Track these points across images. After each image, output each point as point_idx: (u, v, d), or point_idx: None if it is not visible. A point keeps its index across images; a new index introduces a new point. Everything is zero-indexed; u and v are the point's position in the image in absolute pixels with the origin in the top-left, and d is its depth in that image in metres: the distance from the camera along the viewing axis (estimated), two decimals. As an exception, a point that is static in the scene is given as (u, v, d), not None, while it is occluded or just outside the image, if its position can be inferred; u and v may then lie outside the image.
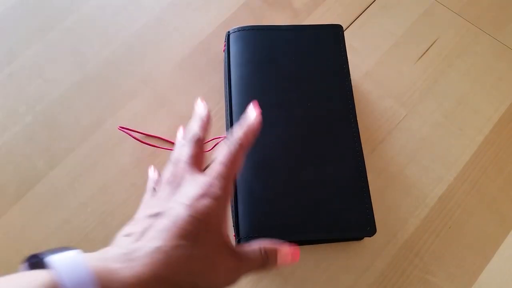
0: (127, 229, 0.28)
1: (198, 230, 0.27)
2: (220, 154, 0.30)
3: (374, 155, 0.45)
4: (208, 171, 0.30)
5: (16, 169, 0.44)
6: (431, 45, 0.51)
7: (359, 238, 0.41)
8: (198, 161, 0.32)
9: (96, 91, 0.48)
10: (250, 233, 0.37)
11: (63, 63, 0.50)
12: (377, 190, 0.43)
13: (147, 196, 0.35)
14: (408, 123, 0.47)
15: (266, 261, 0.30)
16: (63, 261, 0.23)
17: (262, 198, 0.38)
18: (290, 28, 0.45)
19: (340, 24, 0.46)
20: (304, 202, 0.37)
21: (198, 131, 0.33)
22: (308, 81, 0.42)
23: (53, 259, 0.23)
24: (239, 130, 0.31)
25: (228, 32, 0.46)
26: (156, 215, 0.27)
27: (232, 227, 0.39)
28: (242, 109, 0.41)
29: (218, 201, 0.28)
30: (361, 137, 0.41)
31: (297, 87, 0.42)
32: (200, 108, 0.35)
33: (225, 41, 0.46)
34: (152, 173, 0.38)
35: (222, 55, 0.50)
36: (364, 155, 0.40)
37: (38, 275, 0.22)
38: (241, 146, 0.31)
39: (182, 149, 0.32)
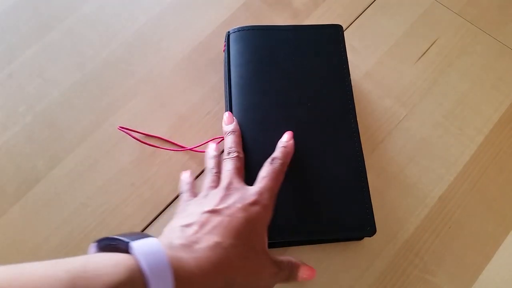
0: (181, 220, 0.31)
1: (249, 232, 0.30)
2: (264, 171, 0.35)
3: (374, 155, 0.45)
4: (255, 183, 0.34)
5: (16, 169, 0.44)
6: (431, 45, 0.51)
7: (359, 238, 0.41)
8: (241, 173, 0.36)
9: (96, 91, 0.48)
10: None
11: (63, 63, 0.50)
12: (377, 190, 0.43)
13: (185, 197, 0.38)
14: (408, 123, 0.47)
15: (291, 274, 0.34)
16: (144, 249, 0.24)
17: None
18: (290, 28, 0.45)
19: (340, 24, 0.46)
20: (304, 203, 0.37)
21: (236, 148, 0.38)
22: (308, 81, 0.42)
23: (136, 246, 0.24)
24: (279, 152, 0.37)
25: (228, 32, 0.46)
26: (213, 211, 0.31)
27: None
28: (242, 108, 0.41)
29: (266, 210, 0.33)
30: (361, 137, 0.41)
31: (297, 87, 0.42)
32: (233, 125, 0.40)
33: (225, 41, 0.46)
34: (187, 176, 0.41)
35: (222, 55, 0.50)
36: (364, 155, 0.40)
37: (122, 259, 0.24)
38: (282, 165, 0.36)
39: (228, 162, 0.37)
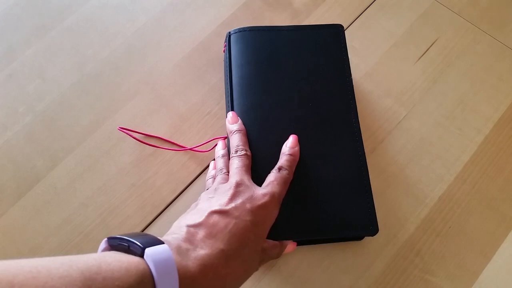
0: (189, 219, 0.32)
1: (254, 235, 0.31)
2: (272, 175, 0.36)
3: (374, 155, 0.45)
4: (263, 186, 0.35)
5: (16, 169, 0.44)
6: (431, 45, 0.51)
7: (360, 237, 0.41)
8: (249, 171, 0.37)
9: (96, 91, 0.48)
10: None
11: (63, 63, 0.50)
12: (377, 190, 0.43)
13: (207, 191, 0.38)
14: (408, 123, 0.47)
15: (280, 251, 0.36)
16: (156, 257, 0.25)
17: None
18: (291, 28, 0.45)
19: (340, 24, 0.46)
20: (306, 202, 0.37)
21: (244, 146, 0.38)
22: (310, 81, 0.42)
23: (149, 252, 0.25)
24: (285, 161, 0.37)
25: (229, 32, 0.46)
26: (221, 212, 0.31)
27: None
28: (244, 109, 0.41)
29: (272, 213, 0.34)
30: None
31: (298, 87, 0.42)
32: (238, 124, 0.40)
33: (225, 42, 0.46)
34: (212, 168, 0.42)
35: (222, 55, 0.50)
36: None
37: (134, 263, 0.25)
38: (289, 174, 0.36)
39: (237, 160, 0.37)
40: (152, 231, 0.42)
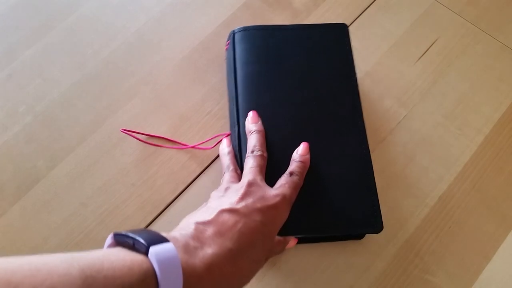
0: (199, 216, 0.31)
1: (262, 236, 0.31)
2: (283, 179, 0.36)
3: (374, 155, 0.45)
4: (277, 188, 0.35)
5: (16, 169, 0.44)
6: (431, 45, 0.51)
7: (361, 236, 0.41)
8: (263, 172, 0.36)
9: (96, 91, 0.48)
10: None
11: (63, 63, 0.50)
12: (377, 190, 0.43)
13: (227, 177, 0.38)
14: (408, 123, 0.47)
15: (282, 250, 0.36)
16: (160, 256, 0.25)
17: None
18: (295, 27, 0.45)
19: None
20: (311, 199, 0.37)
21: (261, 148, 0.37)
22: (314, 80, 0.42)
23: (153, 251, 0.25)
24: (296, 167, 0.37)
25: (233, 31, 0.46)
26: (231, 211, 0.31)
27: None
28: (249, 106, 0.41)
29: (283, 214, 0.34)
30: None
31: (303, 86, 0.42)
32: (258, 125, 0.39)
33: (228, 40, 0.46)
34: (225, 147, 0.41)
35: (222, 55, 0.50)
36: None
37: (137, 261, 0.24)
38: (299, 179, 0.36)
39: (252, 159, 0.36)
40: (152, 231, 0.42)
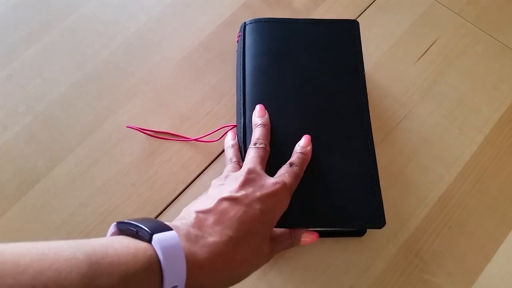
0: (199, 205, 0.31)
1: (262, 224, 0.31)
2: (283, 169, 0.36)
3: (374, 155, 0.45)
4: (277, 177, 0.35)
5: (16, 169, 0.44)
6: (431, 45, 0.51)
7: (362, 232, 0.41)
8: (264, 163, 0.36)
9: (96, 91, 0.48)
10: None
11: (63, 63, 0.50)
12: (377, 190, 0.43)
13: (229, 168, 0.38)
14: (408, 123, 0.47)
15: (293, 242, 0.36)
16: (164, 243, 0.25)
17: None
18: (307, 21, 0.45)
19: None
20: (314, 191, 0.37)
21: (264, 141, 0.37)
22: (323, 74, 0.42)
23: (157, 238, 0.25)
24: (297, 158, 0.37)
25: (244, 23, 0.46)
26: (231, 199, 0.31)
27: None
28: (256, 99, 0.41)
29: (283, 203, 0.33)
30: None
31: (311, 80, 0.42)
32: (264, 119, 0.39)
33: (239, 32, 0.46)
34: (230, 139, 0.41)
35: (222, 55, 0.50)
36: None
37: (141, 249, 0.25)
38: (299, 170, 0.36)
39: (253, 150, 0.36)
40: (152, 231, 0.42)
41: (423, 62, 0.50)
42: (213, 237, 0.28)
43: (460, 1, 0.54)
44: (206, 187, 0.43)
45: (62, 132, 0.46)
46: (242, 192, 0.32)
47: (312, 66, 0.43)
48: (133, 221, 0.27)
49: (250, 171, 0.34)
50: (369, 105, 0.48)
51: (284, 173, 0.35)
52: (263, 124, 0.38)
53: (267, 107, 0.40)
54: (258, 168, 0.34)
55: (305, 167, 0.37)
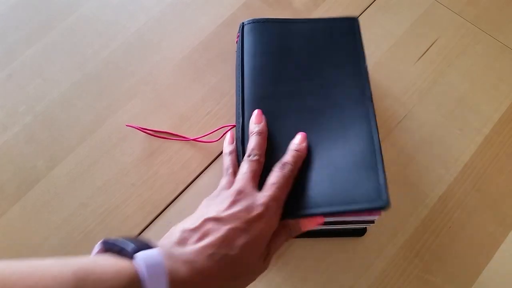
0: (186, 223, 0.32)
1: (248, 244, 0.31)
2: (274, 176, 0.35)
3: (374, 155, 0.45)
4: (264, 190, 0.34)
5: (16, 169, 0.44)
6: (431, 45, 0.51)
7: (364, 231, 0.41)
8: (257, 177, 0.36)
9: (96, 91, 0.48)
10: None
11: (63, 63, 0.50)
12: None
13: (223, 182, 0.37)
14: (408, 123, 0.47)
15: (291, 232, 0.35)
16: (147, 261, 0.26)
17: None
18: (305, 21, 0.45)
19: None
20: (314, 180, 0.36)
21: (258, 151, 0.37)
22: (321, 70, 0.42)
23: (139, 256, 0.26)
24: (290, 156, 0.36)
25: (243, 23, 0.46)
26: (216, 220, 0.31)
27: None
28: (254, 99, 0.41)
29: (270, 222, 0.33)
30: None
31: (309, 77, 0.42)
32: (261, 126, 0.38)
33: (238, 33, 0.46)
34: (227, 146, 0.41)
35: (222, 55, 0.50)
36: None
37: (125, 267, 0.26)
38: (292, 171, 0.35)
39: (246, 164, 0.36)
40: (152, 231, 0.42)
41: (423, 62, 0.50)
42: (194, 255, 0.29)
43: (460, 1, 0.54)
44: (206, 187, 0.43)
45: (62, 132, 0.46)
46: (228, 213, 0.32)
47: (311, 63, 0.42)
48: (118, 239, 0.28)
49: (239, 192, 0.33)
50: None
51: (274, 183, 0.34)
52: (259, 132, 0.38)
53: (265, 107, 0.40)
54: (249, 187, 0.34)
55: (299, 165, 0.37)
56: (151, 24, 0.52)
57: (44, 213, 0.42)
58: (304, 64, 0.42)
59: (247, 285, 0.32)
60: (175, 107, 0.48)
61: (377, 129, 0.38)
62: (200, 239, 0.30)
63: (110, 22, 0.52)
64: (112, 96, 0.48)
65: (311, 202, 0.36)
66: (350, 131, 0.39)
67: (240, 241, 0.30)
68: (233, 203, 0.33)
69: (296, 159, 0.36)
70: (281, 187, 0.34)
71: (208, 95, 0.48)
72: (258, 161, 0.36)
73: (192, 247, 0.30)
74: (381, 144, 0.46)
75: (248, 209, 0.32)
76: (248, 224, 0.31)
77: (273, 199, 0.33)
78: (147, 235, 0.42)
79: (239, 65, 0.44)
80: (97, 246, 0.29)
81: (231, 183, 0.36)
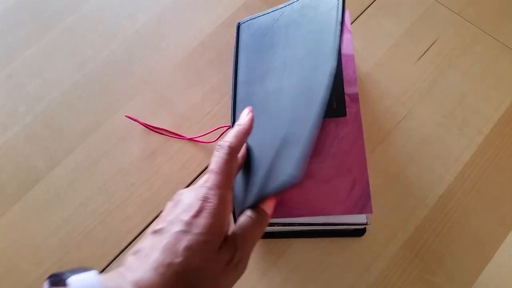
0: (136, 245, 0.29)
1: (193, 246, 0.27)
2: (212, 162, 0.30)
3: (374, 155, 0.45)
4: (202, 181, 0.30)
5: (16, 169, 0.44)
6: (431, 45, 0.51)
7: (363, 232, 0.41)
8: (223, 168, 0.30)
9: (96, 91, 0.48)
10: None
11: (63, 63, 0.50)
12: (377, 190, 0.43)
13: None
14: (408, 123, 0.47)
15: (262, 223, 0.30)
16: (79, 284, 0.24)
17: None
18: (294, 5, 0.42)
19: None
20: (262, 163, 0.33)
21: (228, 138, 0.32)
22: (300, 56, 0.38)
23: (72, 280, 0.24)
24: (229, 134, 0.32)
25: (238, 23, 0.46)
26: (158, 231, 0.28)
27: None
28: (243, 98, 0.40)
29: (216, 213, 0.28)
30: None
31: (290, 66, 0.38)
32: (241, 120, 0.34)
33: (235, 33, 0.46)
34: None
35: (222, 55, 0.50)
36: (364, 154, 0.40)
37: None
38: (231, 149, 0.31)
39: (214, 153, 0.31)
40: (152, 231, 0.42)
41: (423, 62, 0.50)
42: (142, 272, 0.26)
43: (460, 1, 0.54)
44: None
45: (62, 132, 0.46)
46: (168, 219, 0.28)
47: (293, 51, 0.39)
48: (57, 272, 0.26)
49: (177, 194, 0.30)
50: (369, 105, 0.48)
51: (212, 169, 0.30)
52: (238, 124, 0.34)
53: (253, 105, 0.38)
54: (209, 182, 0.29)
55: (242, 142, 0.32)
56: (151, 24, 0.52)
57: (44, 213, 0.42)
58: (287, 53, 0.39)
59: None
60: (175, 107, 0.48)
61: (322, 109, 0.32)
62: (146, 254, 0.27)
63: (110, 22, 0.52)
64: (112, 96, 0.48)
65: (256, 186, 0.32)
66: (298, 112, 0.35)
67: (182, 244, 0.26)
68: (175, 205, 0.29)
69: (235, 134, 0.32)
70: (220, 171, 0.30)
71: (208, 95, 0.48)
72: (225, 151, 0.31)
73: (139, 263, 0.27)
74: (381, 144, 0.46)
75: (189, 207, 0.28)
76: (188, 225, 0.27)
77: (214, 186, 0.29)
78: (147, 235, 0.42)
79: (234, 64, 0.44)
80: (45, 284, 0.26)
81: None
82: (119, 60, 0.50)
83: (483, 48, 0.51)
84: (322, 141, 0.39)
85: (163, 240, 0.27)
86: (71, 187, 0.44)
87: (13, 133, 0.46)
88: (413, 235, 0.42)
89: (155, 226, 0.29)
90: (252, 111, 0.35)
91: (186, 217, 0.27)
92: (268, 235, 0.41)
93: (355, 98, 0.41)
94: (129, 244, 0.42)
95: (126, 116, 0.45)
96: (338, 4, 0.38)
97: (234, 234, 0.30)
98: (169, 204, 0.30)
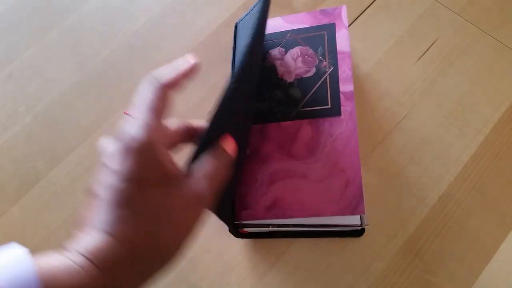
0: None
1: (131, 192, 0.24)
2: (136, 98, 0.27)
3: (374, 155, 0.45)
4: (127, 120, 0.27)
5: (16, 169, 0.44)
6: (431, 45, 0.51)
7: (362, 232, 0.41)
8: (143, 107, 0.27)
9: (96, 91, 0.48)
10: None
11: (63, 63, 0.50)
12: (377, 190, 0.43)
13: None
14: (408, 123, 0.47)
15: (221, 160, 0.29)
16: (4, 260, 0.21)
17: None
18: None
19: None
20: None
21: (161, 72, 0.28)
22: (253, 59, 0.38)
23: None
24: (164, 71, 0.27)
25: (236, 23, 0.46)
26: (92, 196, 0.25)
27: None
28: (234, 101, 0.40)
29: (143, 152, 0.25)
30: (360, 137, 0.40)
31: (247, 70, 0.38)
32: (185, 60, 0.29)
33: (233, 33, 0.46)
34: None
35: (222, 55, 0.50)
36: (364, 155, 0.40)
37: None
38: (163, 86, 0.27)
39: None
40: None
41: (423, 62, 0.50)
42: (83, 240, 0.24)
43: (460, 1, 0.54)
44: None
45: (62, 132, 0.46)
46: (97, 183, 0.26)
47: (252, 56, 0.37)
48: None
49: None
50: (369, 105, 0.48)
51: (135, 110, 0.27)
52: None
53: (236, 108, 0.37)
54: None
55: (178, 79, 0.30)
56: (151, 24, 0.52)
57: (44, 213, 0.42)
58: (252, 56, 0.37)
59: (177, 238, 0.25)
60: (175, 107, 0.47)
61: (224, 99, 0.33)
62: (88, 220, 0.26)
63: (110, 22, 0.52)
64: (112, 96, 0.48)
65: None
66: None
67: (120, 193, 0.24)
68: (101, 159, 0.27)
69: (171, 72, 0.29)
70: (146, 109, 0.27)
71: (208, 95, 0.48)
72: (154, 87, 0.27)
73: (83, 233, 0.25)
74: (381, 144, 0.46)
75: (112, 156, 0.26)
76: (116, 174, 0.25)
77: (139, 124, 0.26)
78: (147, 235, 0.42)
79: (231, 64, 0.44)
80: None
81: None
82: (119, 60, 0.50)
83: (483, 48, 0.51)
84: (316, 141, 0.39)
85: (100, 202, 0.24)
86: (71, 187, 0.44)
87: (13, 133, 0.46)
88: (413, 235, 0.42)
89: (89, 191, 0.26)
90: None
91: (114, 165, 0.24)
92: (268, 236, 0.41)
93: (350, 96, 0.40)
94: (129, 244, 0.42)
95: (125, 113, 0.45)
96: None
97: (192, 168, 0.28)
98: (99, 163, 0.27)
